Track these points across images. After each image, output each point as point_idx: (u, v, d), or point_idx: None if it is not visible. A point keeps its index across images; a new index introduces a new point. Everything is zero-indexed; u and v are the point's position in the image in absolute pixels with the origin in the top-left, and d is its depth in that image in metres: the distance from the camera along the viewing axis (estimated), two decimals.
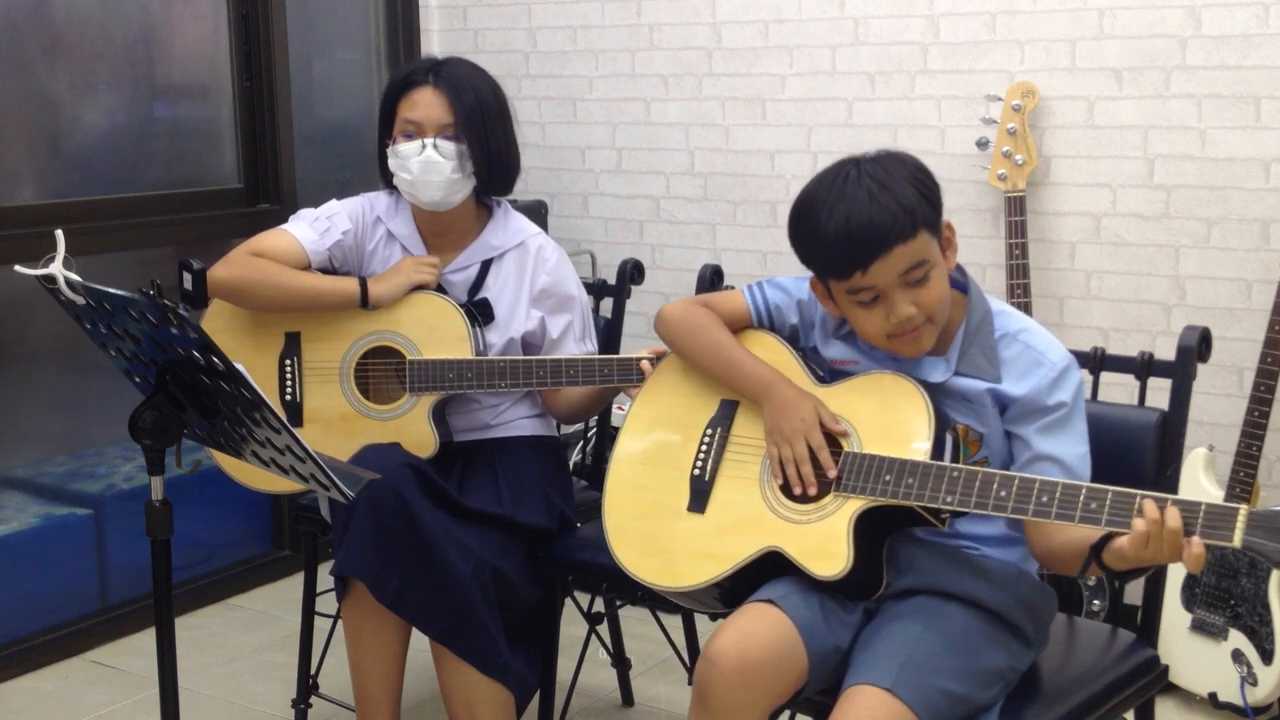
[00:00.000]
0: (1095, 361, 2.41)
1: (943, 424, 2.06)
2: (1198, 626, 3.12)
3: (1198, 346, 2.25)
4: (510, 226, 2.83)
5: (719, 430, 2.26)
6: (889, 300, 2.04)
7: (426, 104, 2.67)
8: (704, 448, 2.27)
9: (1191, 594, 3.13)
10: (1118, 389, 3.05)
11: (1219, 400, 3.35)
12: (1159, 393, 2.29)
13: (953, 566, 2.11)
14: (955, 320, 2.13)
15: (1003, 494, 1.94)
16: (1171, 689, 3.19)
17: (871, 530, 2.08)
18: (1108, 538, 1.90)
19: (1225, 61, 3.29)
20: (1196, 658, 3.13)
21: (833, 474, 2.09)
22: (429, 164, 2.67)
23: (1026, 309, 3.37)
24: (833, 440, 2.13)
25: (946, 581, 2.09)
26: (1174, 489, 2.27)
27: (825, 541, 2.07)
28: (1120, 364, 2.40)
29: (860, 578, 2.08)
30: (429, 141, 2.66)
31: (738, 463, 2.23)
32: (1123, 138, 3.44)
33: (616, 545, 2.34)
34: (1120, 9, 3.41)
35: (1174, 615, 3.13)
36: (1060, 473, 2.04)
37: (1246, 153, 3.30)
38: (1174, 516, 1.81)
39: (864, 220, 2.01)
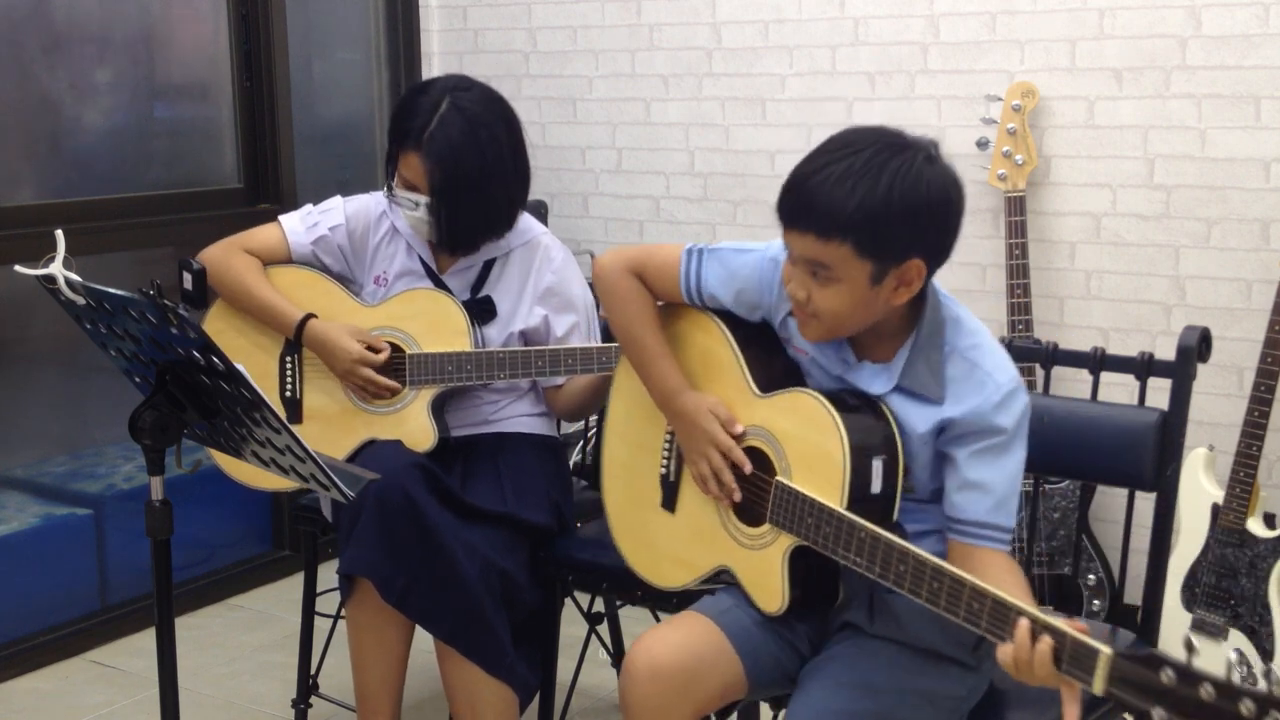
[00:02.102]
0: (1095, 361, 2.41)
1: (866, 455, 1.96)
2: (1198, 626, 3.11)
3: (1198, 346, 2.24)
4: (517, 226, 2.83)
5: None
6: (796, 271, 1.98)
7: (415, 170, 2.69)
8: (667, 446, 2.26)
9: (1192, 594, 3.13)
10: (1118, 389, 3.05)
11: (1219, 400, 3.35)
12: (1159, 393, 2.29)
13: (875, 611, 2.07)
14: (904, 330, 2.03)
15: (901, 568, 1.87)
16: None
17: (817, 557, 2.03)
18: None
19: (1225, 61, 3.29)
20: (1196, 658, 3.12)
21: (748, 470, 2.07)
22: (420, 221, 2.73)
23: (1026, 309, 3.37)
24: (766, 462, 2.09)
25: (867, 622, 2.07)
26: (1174, 489, 2.27)
27: (765, 575, 2.07)
28: (1120, 364, 2.40)
29: (811, 598, 2.07)
30: (421, 200, 2.70)
31: None
32: (1123, 138, 3.44)
33: (615, 529, 2.36)
34: (1120, 9, 3.41)
35: (1174, 615, 3.13)
36: (986, 502, 1.96)
37: (1246, 153, 3.30)
38: (1044, 651, 1.68)
39: (811, 188, 1.91)
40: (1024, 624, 1.71)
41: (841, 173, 1.89)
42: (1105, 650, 1.62)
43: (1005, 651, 1.73)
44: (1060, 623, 1.69)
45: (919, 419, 1.99)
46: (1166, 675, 1.57)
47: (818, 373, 2.11)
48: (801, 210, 1.93)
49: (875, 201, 1.88)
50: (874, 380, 2.03)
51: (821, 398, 2.01)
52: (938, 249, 1.96)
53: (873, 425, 2.00)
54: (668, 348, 2.21)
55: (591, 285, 2.92)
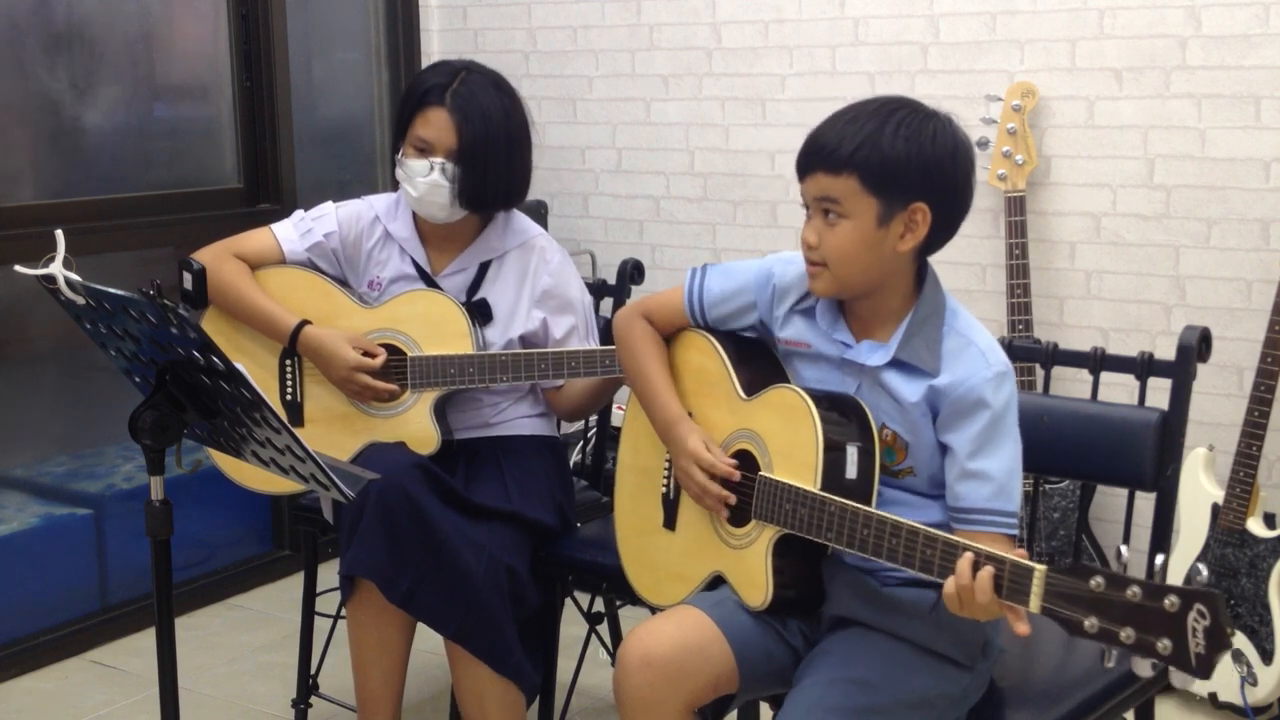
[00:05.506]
0: (1095, 361, 2.41)
1: (839, 439, 2.00)
2: None
3: (1198, 346, 2.25)
4: (512, 227, 2.83)
5: None
6: (810, 220, 2.06)
7: (439, 126, 2.67)
8: (666, 468, 2.30)
9: None
10: (1118, 389, 3.05)
11: (1219, 400, 3.35)
12: (1159, 393, 2.29)
13: (866, 601, 2.08)
14: (903, 310, 2.08)
15: (865, 533, 1.91)
16: (1171, 689, 3.19)
17: (801, 550, 2.05)
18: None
19: (1225, 61, 3.29)
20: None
21: (736, 477, 2.12)
22: (434, 186, 2.68)
23: (1026, 309, 3.37)
24: (753, 462, 2.12)
25: (864, 615, 2.08)
26: (1174, 489, 2.27)
27: (750, 571, 2.10)
28: (1120, 364, 2.40)
29: (797, 596, 2.09)
30: (437, 163, 2.67)
31: None
32: (1123, 138, 3.44)
33: (624, 557, 2.40)
34: (1120, 9, 3.41)
35: None
36: (986, 490, 1.99)
37: (1246, 153, 3.30)
38: (984, 579, 1.74)
39: (820, 134, 2.05)
40: (967, 556, 1.78)
41: (850, 118, 2.05)
42: (1039, 567, 1.69)
43: (948, 585, 1.79)
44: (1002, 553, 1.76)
45: (912, 390, 2.04)
46: (1096, 582, 1.61)
47: (818, 363, 2.14)
48: (813, 154, 2.04)
49: (882, 138, 2.01)
50: (872, 354, 2.07)
51: (798, 389, 2.06)
52: (943, 198, 2.03)
53: (849, 414, 2.04)
54: (670, 381, 2.28)
55: (590, 284, 2.95)
